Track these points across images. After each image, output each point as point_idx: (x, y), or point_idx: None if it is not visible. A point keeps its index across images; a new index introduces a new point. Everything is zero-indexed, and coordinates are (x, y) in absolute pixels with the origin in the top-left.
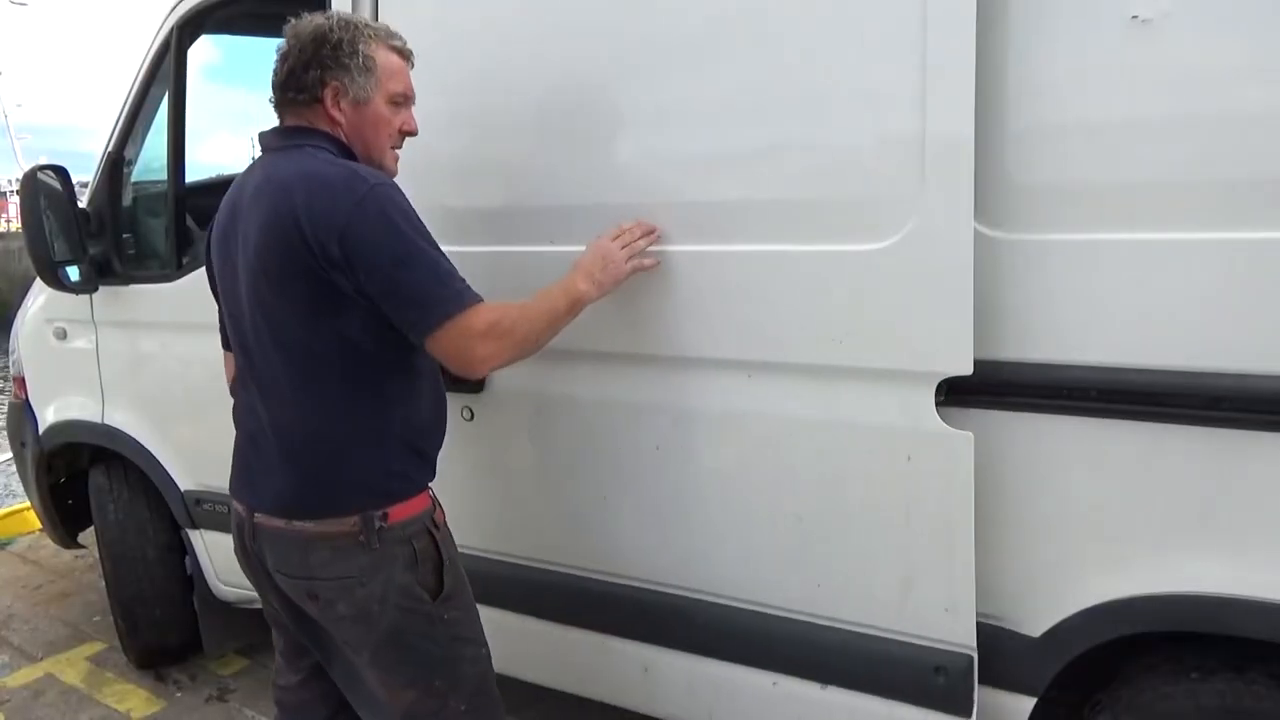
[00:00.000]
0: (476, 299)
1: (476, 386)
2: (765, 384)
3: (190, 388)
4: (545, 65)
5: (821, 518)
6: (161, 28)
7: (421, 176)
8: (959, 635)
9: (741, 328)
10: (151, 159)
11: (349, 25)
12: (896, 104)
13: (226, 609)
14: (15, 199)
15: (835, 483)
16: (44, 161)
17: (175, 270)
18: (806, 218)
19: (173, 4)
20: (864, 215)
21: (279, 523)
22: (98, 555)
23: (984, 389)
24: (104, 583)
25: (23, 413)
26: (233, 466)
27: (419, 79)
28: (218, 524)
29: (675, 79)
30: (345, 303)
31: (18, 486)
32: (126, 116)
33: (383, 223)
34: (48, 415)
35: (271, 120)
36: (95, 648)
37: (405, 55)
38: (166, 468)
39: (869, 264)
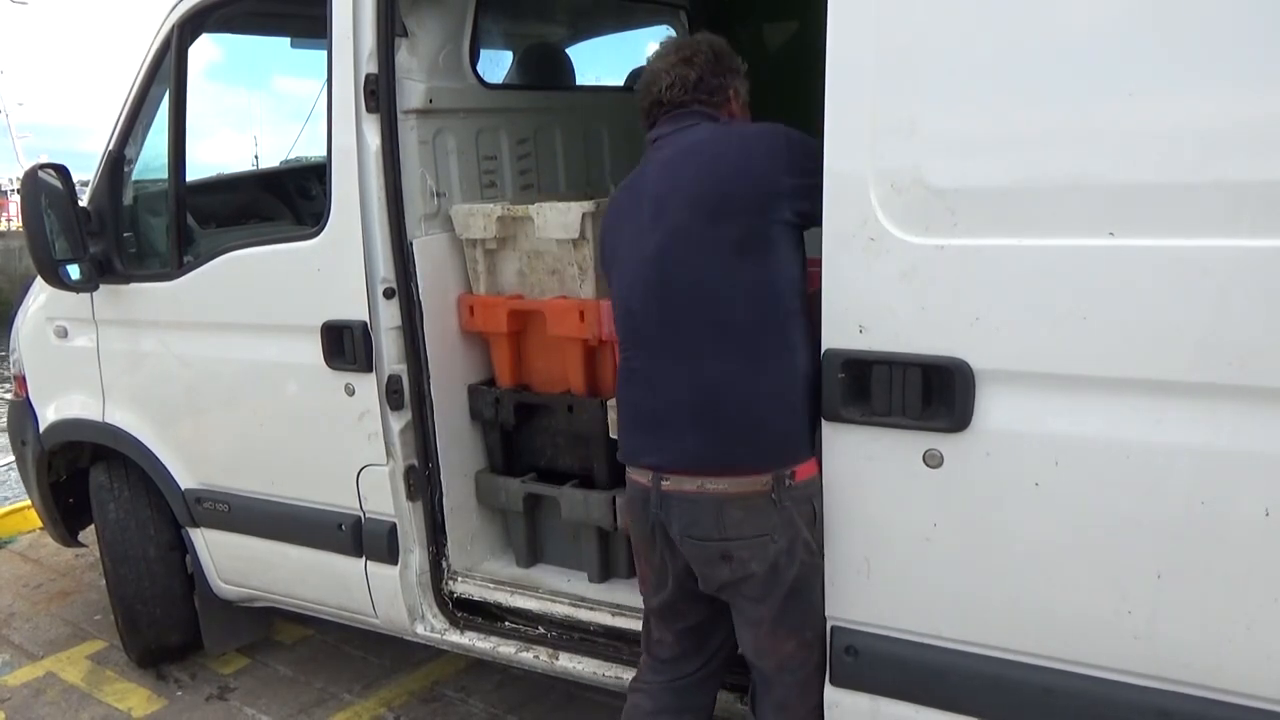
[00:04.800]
0: None
1: (950, 423)
2: None
3: (191, 386)
4: None
5: None
6: (162, 27)
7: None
8: None
9: None
10: (152, 158)
11: (725, 41)
12: None
13: (227, 607)
14: (16, 198)
15: None
16: (45, 160)
17: (176, 269)
18: None
19: (173, 3)
20: None
21: (690, 487)
22: (98, 554)
23: None
24: (105, 581)
25: (24, 411)
26: (626, 432)
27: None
28: (218, 523)
29: None
30: (774, 237)
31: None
32: (127, 115)
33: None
34: (48, 413)
35: (271, 120)
36: (96, 646)
37: None
38: (167, 466)
39: None
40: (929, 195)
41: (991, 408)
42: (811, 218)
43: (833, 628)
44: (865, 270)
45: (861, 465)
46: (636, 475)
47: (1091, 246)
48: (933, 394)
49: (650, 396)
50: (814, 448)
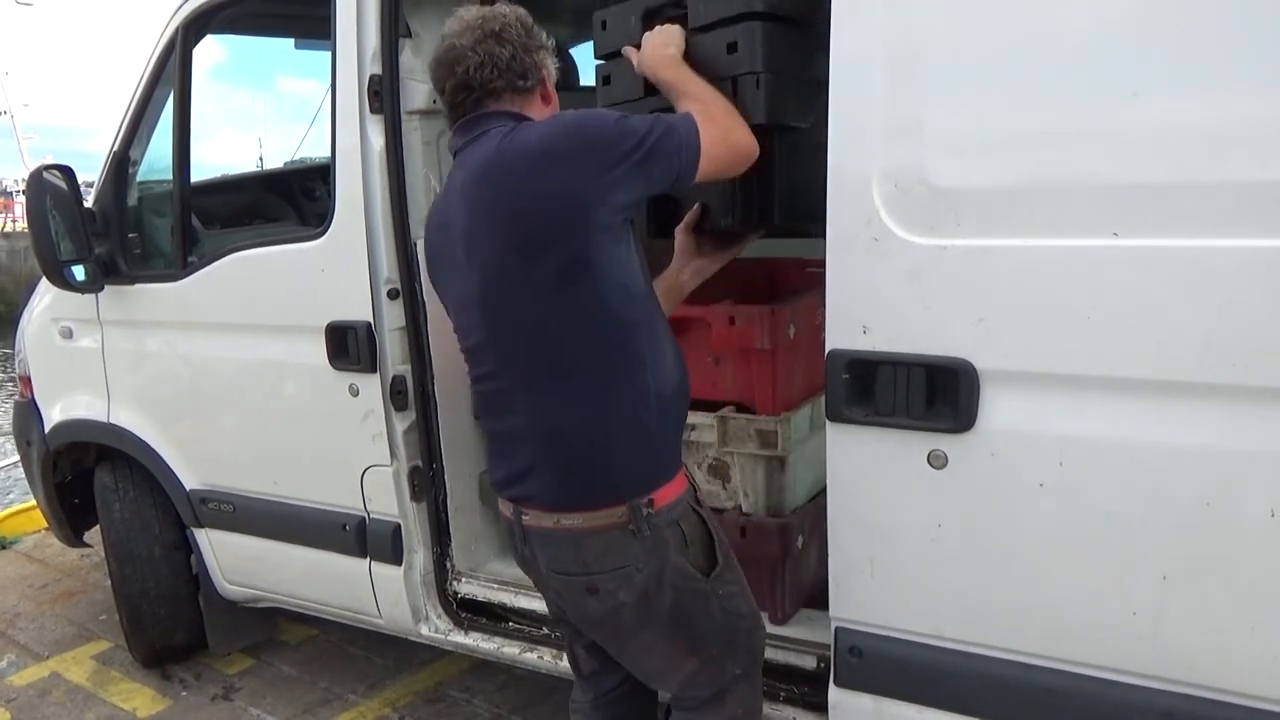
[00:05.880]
0: None
1: (954, 424)
2: None
3: (195, 387)
4: None
5: None
6: (166, 27)
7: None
8: None
9: None
10: (157, 159)
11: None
12: None
13: (232, 608)
14: (22, 198)
15: None
16: (50, 161)
17: (180, 270)
18: None
19: (178, 4)
20: None
21: (547, 523)
22: (103, 554)
23: None
24: (109, 581)
25: (29, 412)
26: (489, 461)
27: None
28: (223, 523)
29: None
30: (593, 254)
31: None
32: (132, 116)
33: (609, 123)
34: (53, 414)
35: (275, 121)
36: (101, 646)
37: None
38: (172, 467)
39: None
40: (933, 195)
41: (996, 408)
42: (630, 205)
43: (837, 628)
44: (869, 270)
45: (865, 466)
46: (503, 507)
47: (1096, 246)
48: (937, 394)
49: (503, 426)
50: (675, 468)
